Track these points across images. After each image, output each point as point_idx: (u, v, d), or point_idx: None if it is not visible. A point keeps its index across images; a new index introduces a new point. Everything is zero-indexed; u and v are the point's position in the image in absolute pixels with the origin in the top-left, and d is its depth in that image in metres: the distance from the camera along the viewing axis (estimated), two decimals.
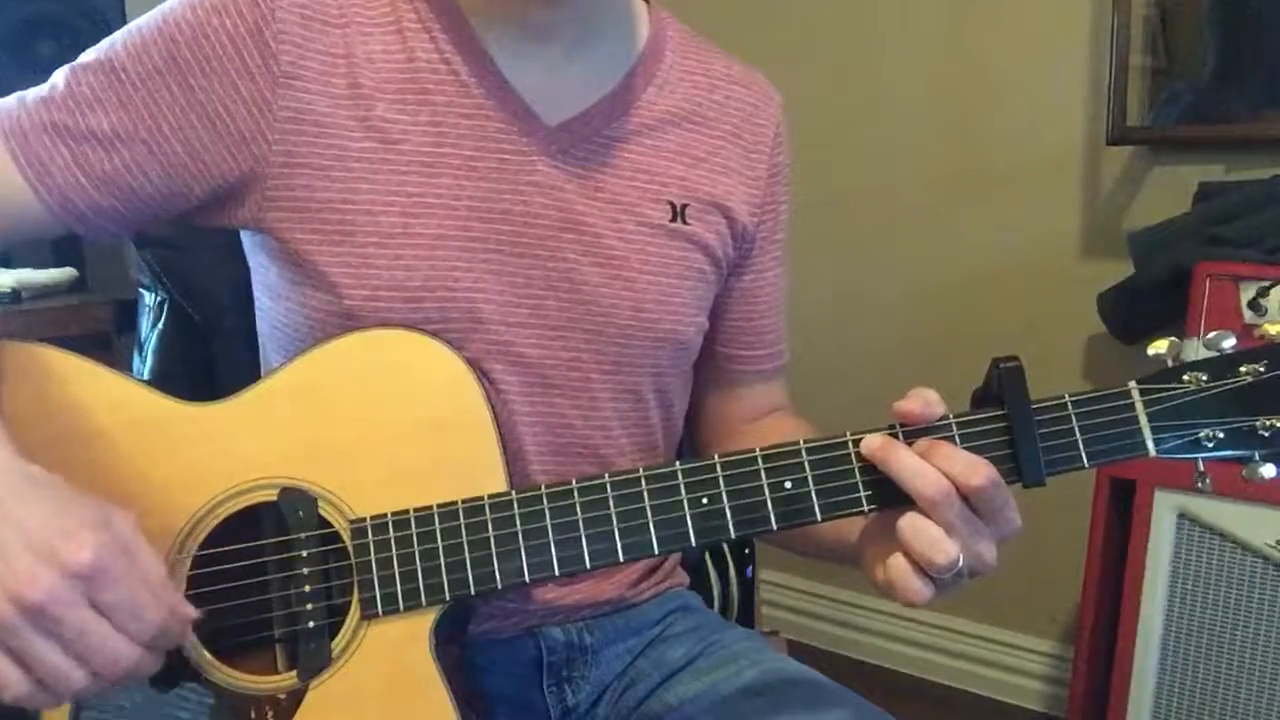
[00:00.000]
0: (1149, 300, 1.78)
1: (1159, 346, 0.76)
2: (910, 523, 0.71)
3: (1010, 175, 2.08)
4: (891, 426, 0.75)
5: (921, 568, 0.72)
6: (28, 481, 0.69)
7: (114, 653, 0.68)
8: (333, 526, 0.78)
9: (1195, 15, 1.84)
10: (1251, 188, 1.72)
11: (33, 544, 0.66)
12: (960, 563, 0.71)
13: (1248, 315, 1.56)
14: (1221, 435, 0.74)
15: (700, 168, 0.95)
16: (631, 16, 0.96)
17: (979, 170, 2.12)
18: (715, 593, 1.35)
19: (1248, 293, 1.57)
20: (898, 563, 0.73)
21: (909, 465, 0.72)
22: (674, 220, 0.93)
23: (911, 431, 0.75)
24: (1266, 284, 1.55)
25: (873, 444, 0.74)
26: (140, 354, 1.20)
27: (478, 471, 0.79)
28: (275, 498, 0.79)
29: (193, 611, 0.73)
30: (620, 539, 0.76)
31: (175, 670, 0.77)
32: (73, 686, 0.68)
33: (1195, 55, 1.85)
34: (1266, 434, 0.73)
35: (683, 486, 0.76)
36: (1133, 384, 0.75)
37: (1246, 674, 1.55)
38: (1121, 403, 0.74)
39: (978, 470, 0.71)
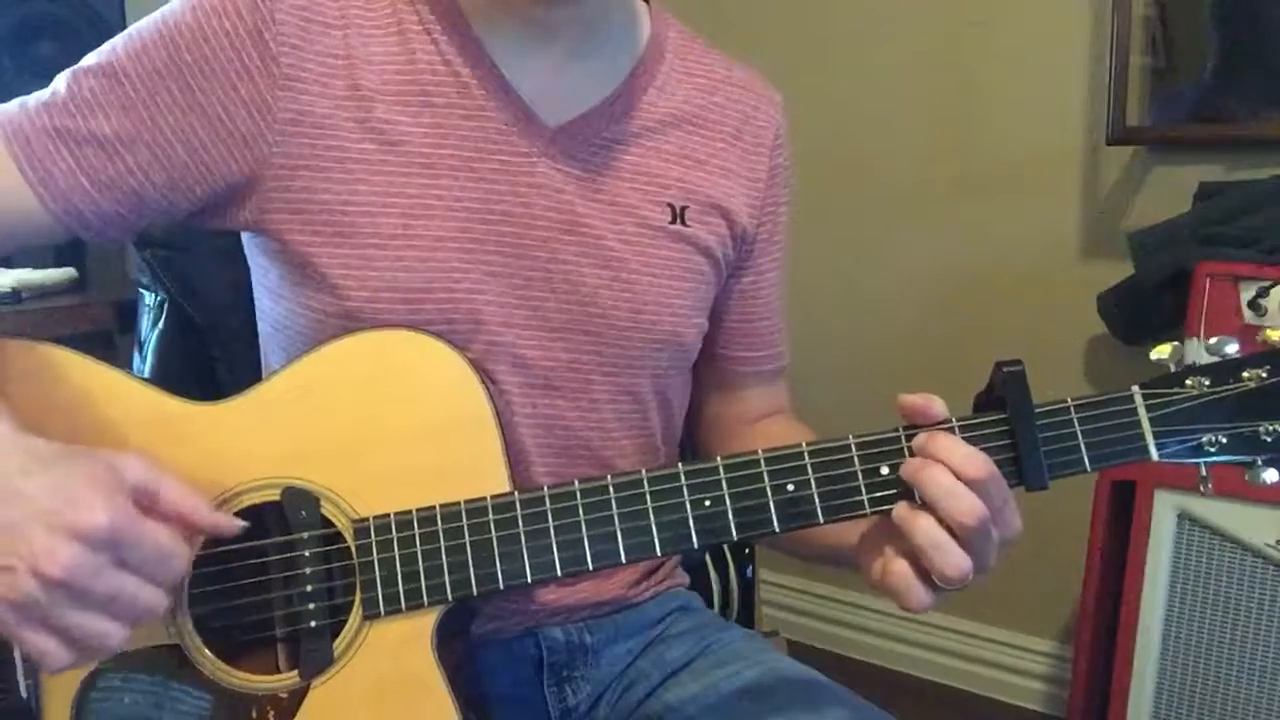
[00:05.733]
0: (1149, 300, 1.78)
1: (1162, 351, 0.76)
2: (929, 536, 0.71)
3: (1010, 175, 2.08)
4: (895, 430, 0.76)
5: (927, 576, 0.73)
6: (31, 455, 0.70)
7: (148, 604, 0.69)
8: (335, 526, 0.79)
9: (1195, 15, 1.84)
10: (1251, 188, 1.72)
11: (45, 518, 0.66)
12: (970, 576, 0.72)
13: (1248, 315, 1.56)
14: (1224, 440, 0.73)
15: (700, 170, 0.95)
16: (633, 17, 0.96)
17: (979, 170, 2.12)
18: (715, 592, 1.35)
19: (1248, 293, 1.57)
20: (902, 570, 0.73)
21: (949, 487, 0.71)
22: (674, 222, 0.93)
23: (913, 431, 0.75)
24: (1266, 284, 1.55)
25: (910, 466, 0.73)
26: (140, 354, 1.20)
27: (480, 472, 0.79)
28: (278, 497, 0.79)
29: (235, 526, 0.74)
30: (623, 540, 0.76)
31: (177, 669, 0.77)
32: (116, 644, 0.69)
33: (1195, 55, 1.85)
34: (1269, 439, 0.73)
35: (685, 489, 0.76)
36: (1135, 388, 0.75)
37: (1246, 674, 1.56)
38: (1124, 407, 0.74)
39: (975, 463, 0.71)
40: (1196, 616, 1.59)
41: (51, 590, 0.66)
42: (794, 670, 0.94)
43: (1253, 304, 1.56)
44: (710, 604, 1.24)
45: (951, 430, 0.75)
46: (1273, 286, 1.54)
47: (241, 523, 0.75)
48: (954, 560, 0.71)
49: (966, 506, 0.71)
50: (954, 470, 0.71)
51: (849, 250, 2.29)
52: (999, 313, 2.11)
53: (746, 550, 1.45)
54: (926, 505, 0.72)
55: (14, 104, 0.83)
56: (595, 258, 0.90)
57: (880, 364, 2.25)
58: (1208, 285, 1.60)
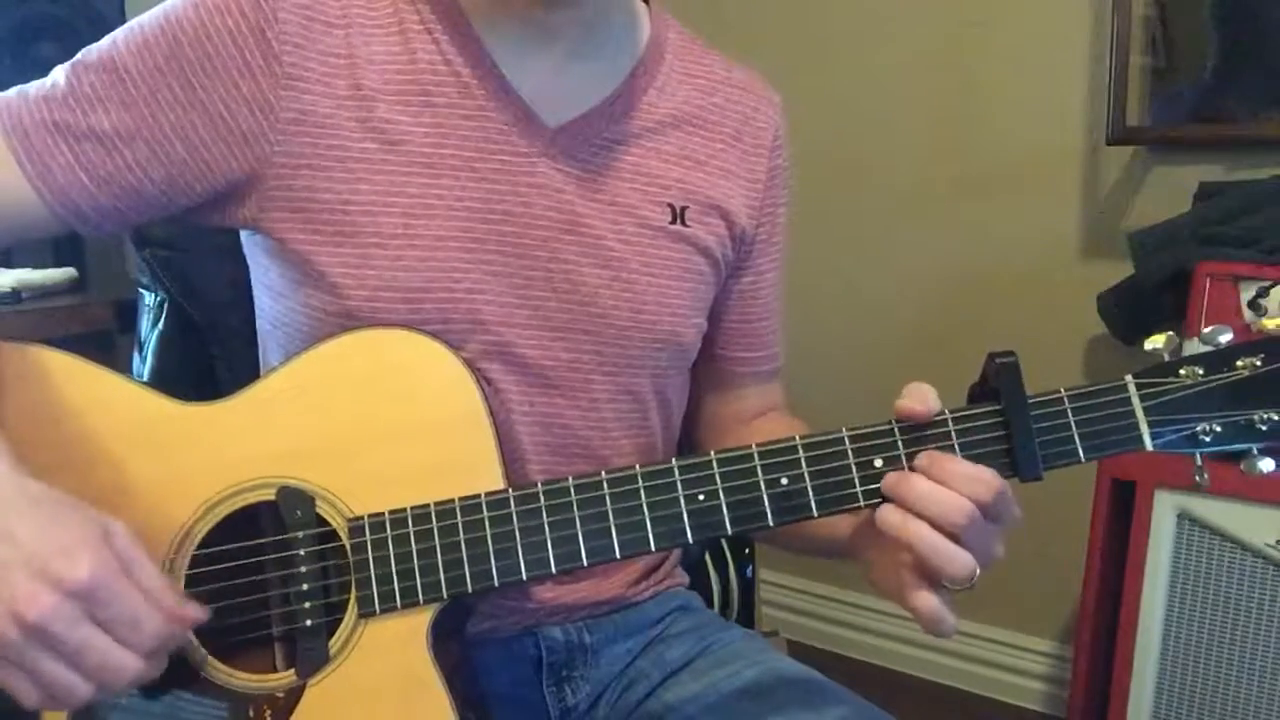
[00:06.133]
0: (1149, 300, 1.78)
1: (1156, 341, 0.75)
2: (928, 544, 0.72)
3: (1011, 175, 2.08)
4: (889, 423, 0.76)
5: (936, 579, 0.73)
6: (25, 497, 0.70)
7: (116, 665, 0.69)
8: (330, 525, 0.79)
9: (1195, 15, 1.84)
10: (1251, 188, 1.72)
11: (30, 563, 0.67)
12: (977, 571, 0.72)
13: (1248, 315, 1.56)
14: (1219, 429, 0.73)
15: (700, 170, 0.95)
16: (633, 18, 0.96)
17: (979, 170, 2.12)
18: (715, 592, 1.35)
19: (1248, 293, 1.57)
20: (928, 604, 0.74)
21: (924, 492, 0.72)
22: (674, 222, 0.93)
23: (908, 428, 0.75)
24: (1266, 284, 1.55)
25: (888, 480, 0.74)
26: (140, 354, 1.20)
27: (475, 471, 0.79)
28: (273, 497, 0.79)
29: (201, 614, 0.74)
30: (617, 536, 0.76)
31: (174, 670, 0.77)
32: (80, 697, 0.69)
33: (1195, 55, 1.85)
34: (1264, 427, 0.73)
35: (679, 484, 0.76)
36: (1129, 378, 0.75)
37: (1246, 674, 1.55)
38: (1118, 396, 0.74)
39: (988, 485, 0.72)
40: (1196, 616, 1.59)
41: (27, 635, 0.66)
42: (794, 670, 0.94)
43: (1253, 304, 1.55)
44: (710, 604, 1.24)
45: (945, 423, 0.75)
46: (1273, 286, 1.54)
47: (206, 614, 0.74)
48: (960, 562, 0.72)
49: (951, 506, 0.71)
50: (942, 481, 0.72)
51: (849, 250, 2.29)
52: (999, 313, 2.11)
53: (746, 550, 1.45)
54: (915, 514, 0.72)
55: (12, 93, 0.83)
56: (595, 258, 0.90)
57: (880, 364, 2.24)
58: (1208, 285, 1.60)
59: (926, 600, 0.74)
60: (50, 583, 0.66)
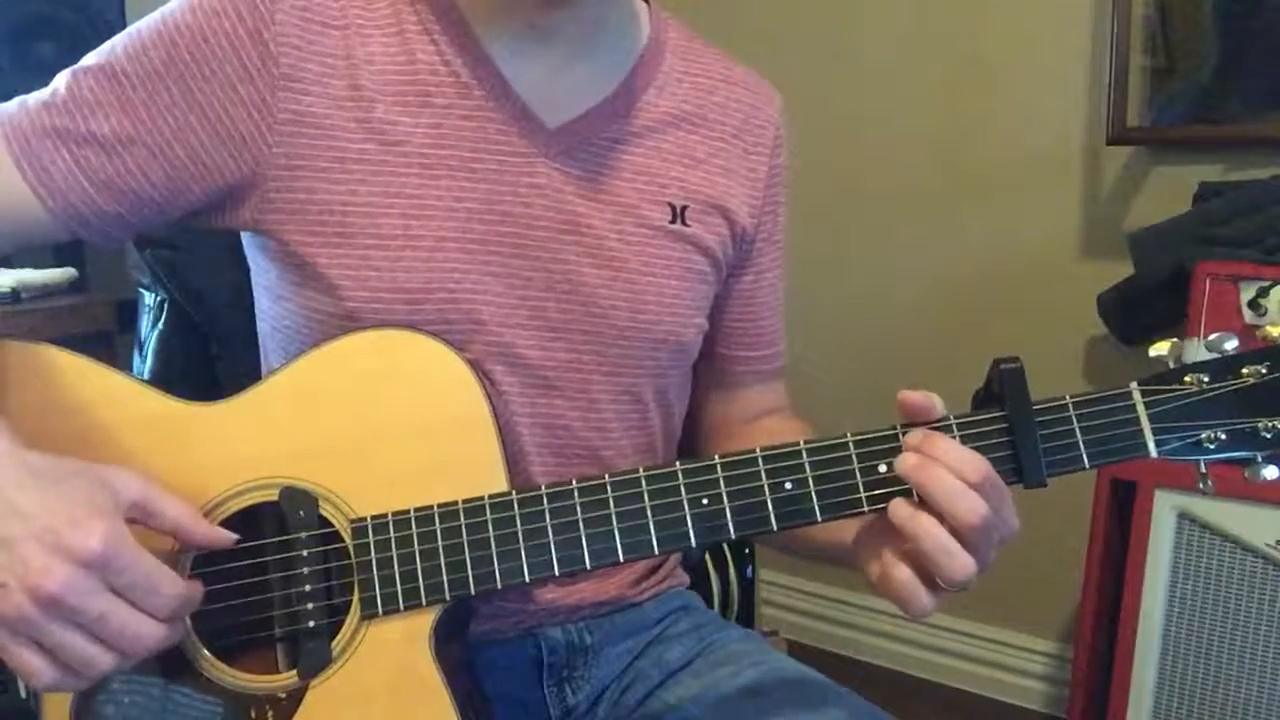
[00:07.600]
0: (1149, 300, 1.78)
1: (1160, 348, 0.76)
2: (937, 541, 0.71)
3: (1010, 175, 2.08)
4: (893, 427, 0.76)
5: (930, 579, 0.73)
6: (29, 471, 0.70)
7: (136, 632, 0.69)
8: (333, 526, 0.79)
9: (1195, 15, 1.84)
10: (1251, 188, 1.72)
11: (42, 537, 0.67)
12: (974, 577, 0.72)
13: (1248, 315, 1.56)
14: (1223, 437, 0.73)
15: (700, 169, 0.95)
16: (633, 17, 0.96)
17: (979, 170, 2.12)
18: (715, 592, 1.36)
19: (1248, 293, 1.57)
20: (904, 576, 0.73)
21: (952, 488, 0.71)
22: (674, 222, 0.93)
23: (911, 429, 0.75)
24: (1266, 284, 1.55)
25: (908, 463, 0.72)
26: (140, 354, 1.20)
27: (478, 472, 0.79)
28: (276, 497, 0.79)
29: (230, 536, 0.76)
30: (620, 539, 0.76)
31: (176, 670, 0.77)
32: (101, 669, 0.69)
33: (1195, 55, 1.85)
34: (1269, 435, 0.73)
35: (683, 487, 0.76)
36: (1134, 385, 0.75)
37: (1246, 674, 1.56)
38: (1123, 404, 0.74)
39: (975, 466, 0.71)
40: (1196, 616, 1.59)
41: (44, 608, 0.66)
42: (794, 670, 0.94)
43: (1253, 304, 1.56)
44: (710, 604, 1.24)
45: (950, 428, 0.75)
46: (1273, 286, 1.54)
47: (234, 536, 0.76)
48: (960, 563, 0.71)
49: (971, 506, 0.71)
50: (954, 472, 0.71)
51: (849, 250, 2.29)
52: (999, 313, 2.11)
53: (746, 550, 1.45)
54: (928, 506, 0.72)
55: (14, 103, 0.84)
56: (595, 257, 0.90)
57: (880, 364, 2.25)
58: (1208, 285, 1.60)
59: (902, 573, 0.73)
60: (63, 554, 0.66)
